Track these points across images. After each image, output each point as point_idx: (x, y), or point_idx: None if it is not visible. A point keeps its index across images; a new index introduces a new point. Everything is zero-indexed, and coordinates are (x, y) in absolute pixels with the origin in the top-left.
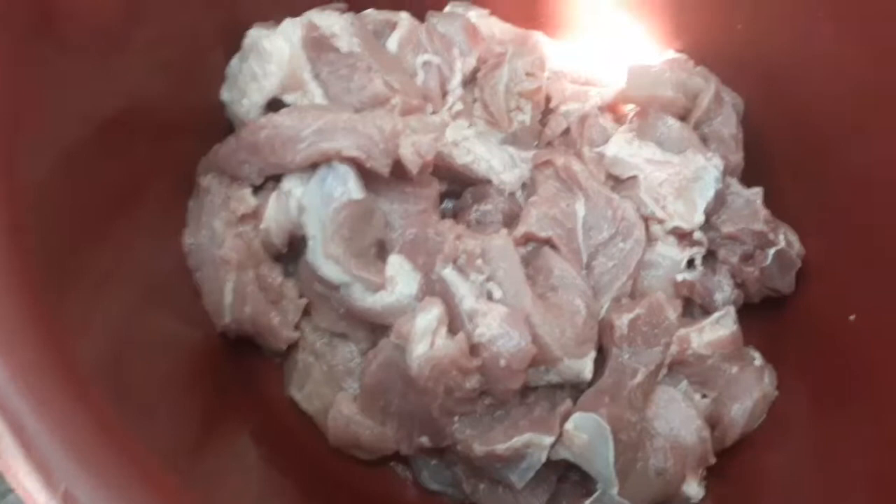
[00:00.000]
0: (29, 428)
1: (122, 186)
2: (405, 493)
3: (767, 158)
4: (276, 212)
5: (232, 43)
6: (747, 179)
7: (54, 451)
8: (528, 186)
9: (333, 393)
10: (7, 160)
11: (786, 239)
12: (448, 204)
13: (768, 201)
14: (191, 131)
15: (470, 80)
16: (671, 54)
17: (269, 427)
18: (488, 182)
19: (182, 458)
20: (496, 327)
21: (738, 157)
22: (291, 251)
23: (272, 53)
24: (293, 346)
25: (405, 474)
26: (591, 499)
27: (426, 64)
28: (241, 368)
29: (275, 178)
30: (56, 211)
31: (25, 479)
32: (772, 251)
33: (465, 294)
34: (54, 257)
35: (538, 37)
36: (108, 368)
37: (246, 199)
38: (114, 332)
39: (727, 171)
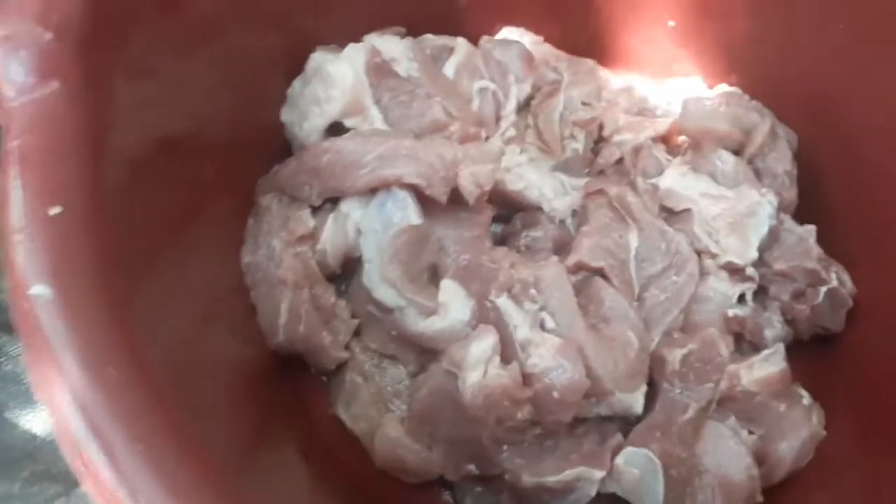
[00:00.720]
0: (114, 443)
1: (187, 204)
2: None
3: (821, 195)
4: (333, 234)
5: (293, 65)
6: (800, 216)
7: (138, 467)
8: (579, 215)
9: (380, 414)
10: (97, 189)
11: (838, 278)
12: (496, 228)
13: (821, 239)
14: (251, 151)
15: (524, 107)
16: (726, 88)
17: (315, 445)
18: (539, 208)
19: (236, 464)
20: (549, 358)
21: (791, 194)
22: (345, 271)
23: (336, 78)
24: (342, 366)
25: (449, 499)
26: None
27: (482, 90)
28: (291, 385)
29: (332, 200)
30: (131, 233)
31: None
32: (823, 289)
33: (520, 323)
34: (131, 278)
35: (592, 65)
36: (173, 381)
37: (305, 219)
38: (176, 346)
39: (781, 208)
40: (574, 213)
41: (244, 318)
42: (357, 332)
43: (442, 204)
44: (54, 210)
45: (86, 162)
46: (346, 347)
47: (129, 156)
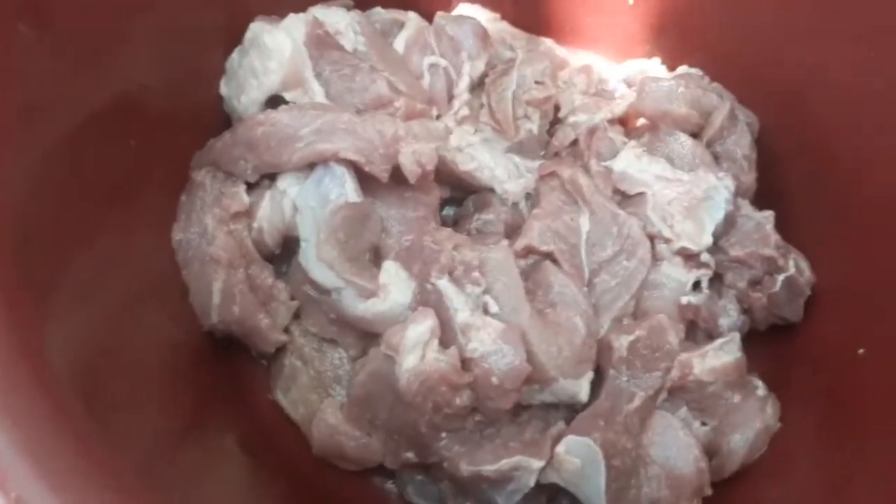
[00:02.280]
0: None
1: (110, 184)
2: None
3: (781, 181)
4: (269, 211)
5: (233, 36)
6: (759, 202)
7: (10, 454)
8: (533, 198)
9: (320, 399)
10: None
11: (796, 266)
12: (449, 211)
13: (780, 226)
14: (188, 125)
15: (478, 85)
16: (686, 69)
17: (252, 430)
18: (491, 191)
19: (159, 462)
20: (490, 343)
21: (750, 178)
22: (284, 252)
23: (273, 50)
24: (281, 350)
25: (390, 487)
26: None
27: (433, 66)
28: (228, 369)
29: (270, 177)
30: (36, 216)
31: None
32: (781, 277)
33: (460, 306)
34: (33, 265)
35: (549, 44)
36: (85, 375)
37: (239, 196)
38: (95, 336)
39: (738, 193)
40: (528, 195)
41: (177, 299)
42: (297, 315)
43: (385, 182)
44: None
45: None
46: (286, 330)
47: (41, 132)
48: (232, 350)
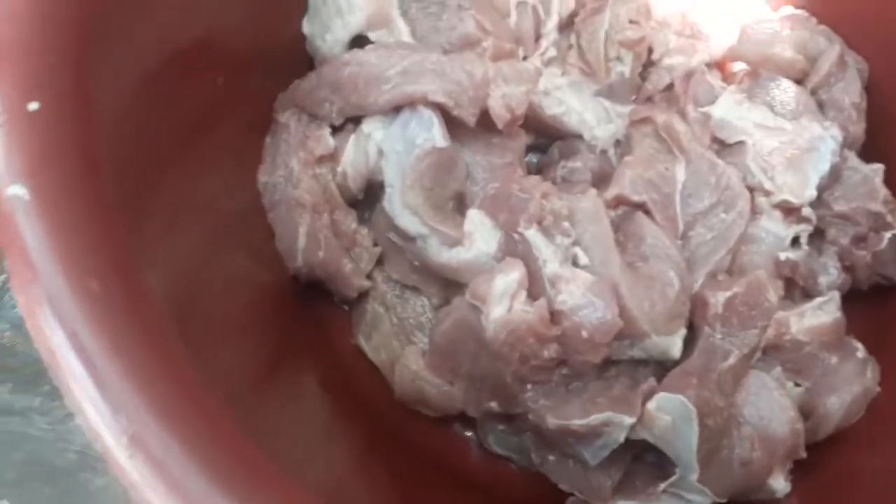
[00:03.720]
0: (100, 366)
1: (198, 119)
2: (469, 454)
3: (892, 132)
4: (354, 155)
5: None
6: (867, 154)
7: (126, 392)
8: (623, 145)
9: (402, 346)
10: (82, 87)
11: None
12: (533, 158)
13: (889, 179)
14: (271, 64)
15: (566, 25)
16: (790, 10)
17: (335, 373)
18: (579, 137)
19: (246, 395)
20: (580, 296)
21: (859, 129)
22: (369, 197)
23: None
24: (364, 295)
25: (471, 435)
26: (667, 482)
27: (521, 4)
28: (311, 313)
29: (355, 120)
30: (132, 140)
31: (95, 421)
32: (888, 235)
33: (549, 257)
34: (129, 188)
35: None
36: (177, 303)
37: (325, 139)
38: (184, 267)
39: (845, 144)
40: (617, 142)
41: (263, 242)
42: (380, 261)
43: (471, 127)
44: (32, 106)
45: (70, 58)
46: (369, 276)
47: (127, 60)
48: (315, 295)
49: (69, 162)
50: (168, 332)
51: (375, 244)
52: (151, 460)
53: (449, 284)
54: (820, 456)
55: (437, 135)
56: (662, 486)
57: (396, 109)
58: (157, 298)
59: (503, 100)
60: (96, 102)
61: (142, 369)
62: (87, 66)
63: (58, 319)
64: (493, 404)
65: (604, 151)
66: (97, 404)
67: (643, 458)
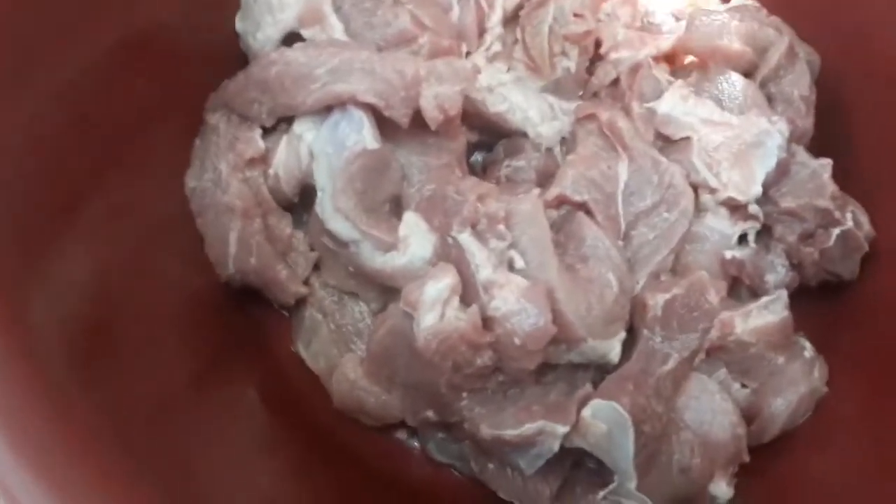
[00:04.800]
0: None
1: (125, 125)
2: (410, 462)
3: (842, 126)
4: (286, 157)
5: None
6: (816, 149)
7: None
8: (568, 142)
9: (341, 353)
10: None
11: (854, 219)
12: (478, 157)
13: (838, 175)
14: (203, 63)
15: (512, 19)
16: (741, 1)
17: (272, 381)
18: (523, 135)
19: (174, 407)
20: (513, 301)
21: (807, 123)
22: (304, 200)
23: None
24: (302, 301)
25: (412, 443)
26: (606, 490)
27: None
28: (249, 319)
29: (287, 120)
30: (44, 156)
31: None
32: (836, 231)
33: (483, 262)
34: (37, 205)
35: None
36: (80, 324)
37: (255, 141)
38: (106, 282)
39: (793, 138)
40: (563, 140)
41: (194, 248)
42: (318, 266)
43: (406, 127)
44: None
45: None
46: (306, 282)
47: (45, 69)
48: (253, 300)
49: None
50: (49, 358)
51: (312, 249)
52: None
53: (387, 290)
54: (767, 458)
55: (367, 136)
56: (602, 493)
57: (328, 110)
58: (43, 322)
59: (435, 100)
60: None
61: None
62: None
63: None
64: (430, 413)
65: (549, 149)
66: None
67: (583, 465)
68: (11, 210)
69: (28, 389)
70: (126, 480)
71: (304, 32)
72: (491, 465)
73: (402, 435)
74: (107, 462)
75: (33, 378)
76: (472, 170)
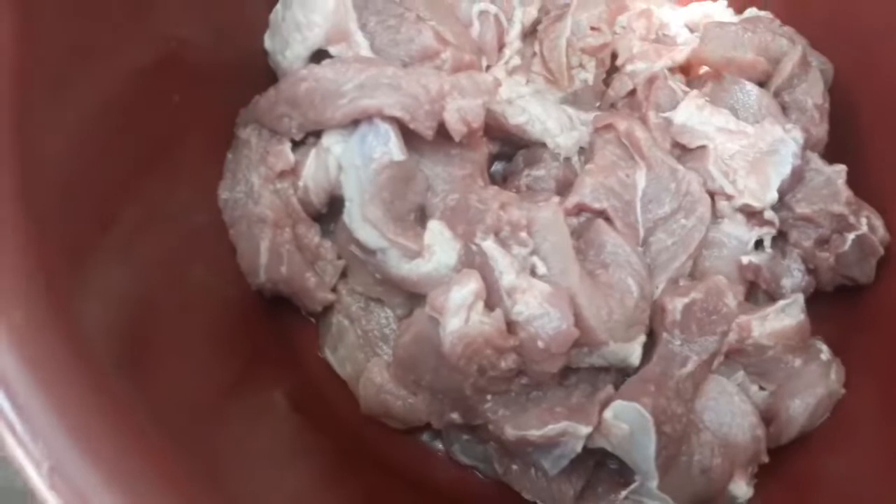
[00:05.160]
0: (21, 395)
1: (157, 138)
2: (436, 464)
3: (855, 133)
4: (314, 169)
5: None
6: (830, 155)
7: (45, 422)
8: (586, 152)
9: (367, 358)
10: (20, 115)
11: (869, 223)
12: (498, 167)
13: (852, 181)
14: (232, 80)
15: (530, 33)
16: (754, 12)
17: (301, 386)
18: (542, 145)
19: (207, 413)
20: (536, 306)
21: (821, 130)
22: (331, 210)
23: (317, 2)
24: (329, 308)
25: (437, 445)
26: (627, 490)
27: (483, 13)
28: (277, 326)
29: (316, 134)
30: (81, 169)
31: (15, 450)
32: (851, 236)
33: (505, 268)
34: (75, 221)
35: None
36: (122, 330)
37: (285, 154)
38: (141, 291)
39: (808, 145)
40: (582, 150)
41: (225, 258)
42: (345, 274)
43: (430, 140)
44: None
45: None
46: (333, 289)
47: (80, 87)
48: (282, 308)
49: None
50: (100, 361)
51: (339, 257)
52: (72, 492)
53: (412, 296)
54: (785, 459)
55: (394, 148)
56: (624, 493)
57: (355, 123)
58: (92, 328)
59: (459, 113)
60: (37, 143)
61: (64, 400)
62: (27, 110)
63: None
64: (455, 416)
65: (567, 159)
66: (18, 435)
67: (605, 465)
68: (61, 218)
69: (86, 390)
70: (176, 480)
71: (332, 49)
72: (515, 467)
73: (426, 437)
74: (161, 461)
75: (89, 381)
76: (493, 179)
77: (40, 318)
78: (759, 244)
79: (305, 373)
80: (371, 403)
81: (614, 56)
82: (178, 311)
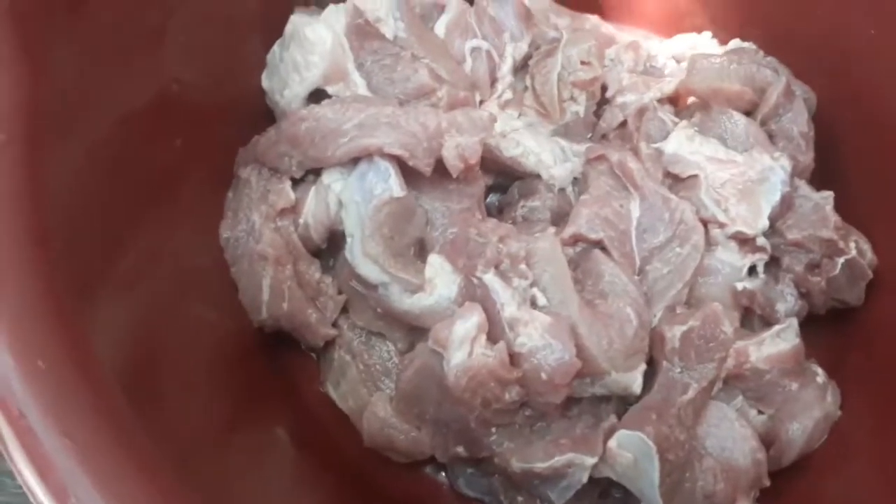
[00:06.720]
0: (38, 432)
1: (157, 177)
2: (441, 497)
3: (841, 160)
4: (315, 206)
5: (272, 25)
6: (817, 182)
7: (62, 457)
8: (580, 182)
9: (369, 392)
10: (30, 159)
11: (857, 247)
12: (494, 198)
13: (840, 206)
14: (230, 119)
15: (521, 68)
16: (738, 44)
17: (303, 422)
18: (537, 177)
19: (208, 448)
20: (538, 338)
21: (808, 158)
22: (331, 246)
23: (315, 43)
24: (330, 343)
25: (441, 479)
26: None
27: (475, 50)
28: (278, 362)
29: (315, 172)
30: (86, 205)
31: (31, 483)
32: (841, 260)
33: (507, 301)
34: (81, 262)
35: (595, 21)
36: (130, 367)
37: (285, 192)
38: (142, 330)
39: (796, 173)
40: (575, 180)
41: (227, 295)
42: (346, 308)
43: (429, 175)
44: None
45: (17, 139)
46: (334, 324)
47: (80, 131)
48: (282, 343)
49: (19, 243)
50: (115, 401)
51: (340, 292)
52: None
53: (414, 329)
54: (786, 482)
55: (394, 185)
56: None
57: (354, 161)
58: (106, 368)
59: (457, 150)
60: (44, 182)
61: (85, 445)
62: (37, 147)
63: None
64: (460, 449)
65: (562, 190)
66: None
67: (610, 494)
68: (70, 253)
69: (97, 417)
70: None
71: (329, 89)
72: (521, 499)
73: (430, 470)
74: (167, 488)
75: (100, 408)
76: (489, 211)
77: (61, 365)
78: (752, 270)
79: (306, 407)
80: (375, 437)
81: (604, 88)
82: (181, 346)
